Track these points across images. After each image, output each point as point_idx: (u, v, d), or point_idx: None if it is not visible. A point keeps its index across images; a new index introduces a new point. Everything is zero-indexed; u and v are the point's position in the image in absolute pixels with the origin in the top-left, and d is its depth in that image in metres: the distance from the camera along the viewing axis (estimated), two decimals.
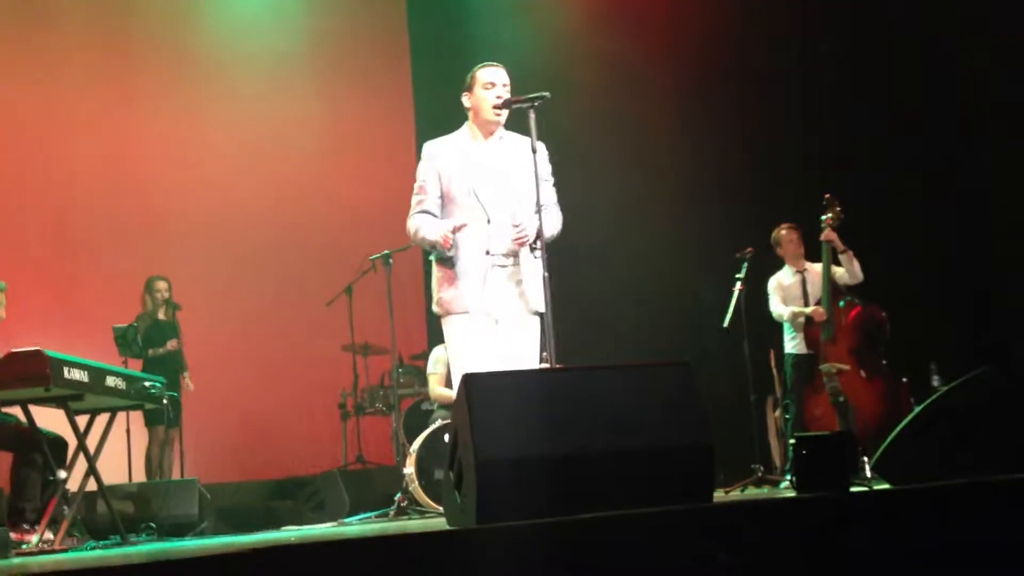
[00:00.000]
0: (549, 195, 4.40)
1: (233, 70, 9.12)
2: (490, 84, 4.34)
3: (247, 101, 9.13)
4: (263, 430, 8.54)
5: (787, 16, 7.60)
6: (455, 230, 4.22)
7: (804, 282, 6.64)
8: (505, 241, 4.28)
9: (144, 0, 8.93)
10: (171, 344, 7.57)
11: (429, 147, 4.44)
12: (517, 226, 4.22)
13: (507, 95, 4.33)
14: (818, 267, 6.57)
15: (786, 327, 6.70)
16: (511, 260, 4.31)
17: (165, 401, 5.77)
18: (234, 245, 8.75)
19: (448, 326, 4.34)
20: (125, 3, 8.85)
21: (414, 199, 4.41)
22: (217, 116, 9.05)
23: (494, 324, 4.27)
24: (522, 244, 4.25)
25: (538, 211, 4.19)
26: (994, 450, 3.70)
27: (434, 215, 4.35)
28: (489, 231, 4.28)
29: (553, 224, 4.38)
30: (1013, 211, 6.68)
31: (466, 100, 4.42)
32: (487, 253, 4.27)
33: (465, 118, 4.45)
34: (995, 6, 6.72)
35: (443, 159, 4.37)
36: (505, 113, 4.35)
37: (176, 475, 7.42)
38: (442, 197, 4.36)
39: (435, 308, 4.39)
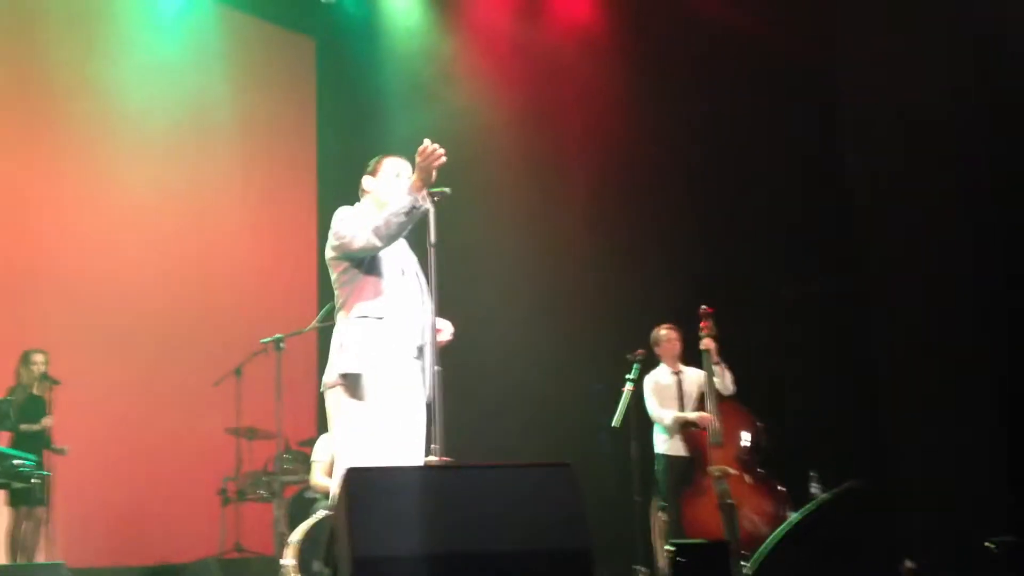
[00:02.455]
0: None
1: (123, 136, 8.88)
2: (399, 175, 4.37)
3: (138, 167, 8.89)
4: (138, 513, 8.21)
5: (678, 130, 7.88)
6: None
7: (680, 384, 6.78)
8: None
9: (49, 65, 8.65)
10: (46, 421, 7.28)
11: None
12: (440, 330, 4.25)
13: None
14: (692, 371, 6.77)
15: (657, 427, 6.79)
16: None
17: (35, 480, 5.53)
18: (118, 317, 8.47)
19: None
20: (31, 72, 8.56)
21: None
22: (106, 183, 8.78)
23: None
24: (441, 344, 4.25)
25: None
26: (863, 558, 3.81)
27: None
28: (415, 311, 4.28)
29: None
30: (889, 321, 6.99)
31: (369, 183, 4.40)
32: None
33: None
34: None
35: None
36: None
37: (42, 558, 7.07)
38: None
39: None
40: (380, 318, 4.14)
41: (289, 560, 6.05)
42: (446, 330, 4.33)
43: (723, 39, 7.65)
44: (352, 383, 4.09)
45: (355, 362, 4.09)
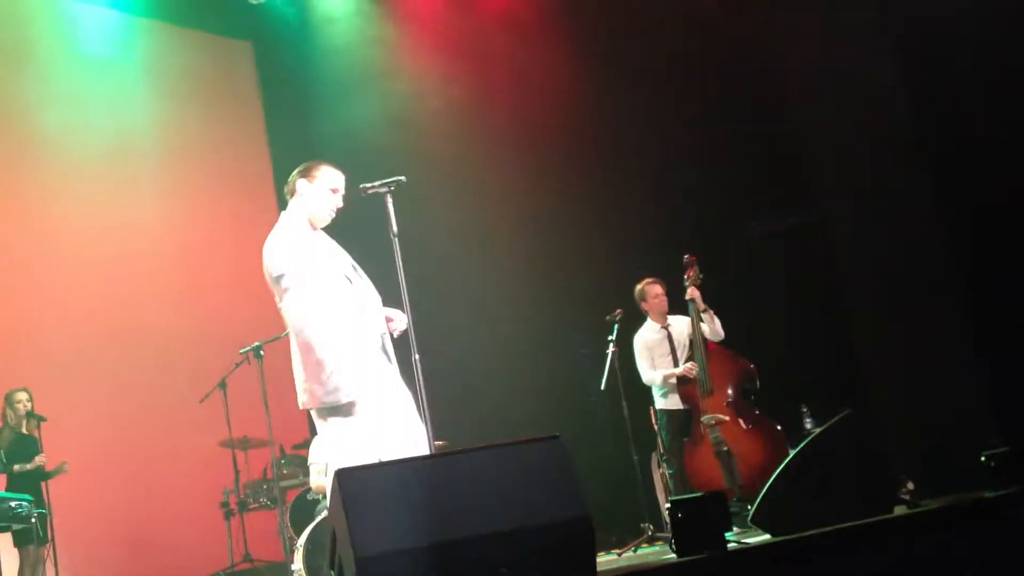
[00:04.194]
0: None
1: (89, 167, 8.81)
2: (335, 190, 4.30)
3: (106, 198, 8.86)
4: (142, 539, 8.18)
5: (647, 83, 7.87)
6: None
7: (670, 338, 6.79)
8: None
9: None
10: (38, 459, 7.24)
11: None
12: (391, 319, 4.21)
13: (341, 204, 4.31)
14: (679, 321, 6.77)
15: (655, 386, 6.82)
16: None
17: (34, 519, 5.50)
18: (97, 349, 8.40)
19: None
20: None
21: None
22: (74, 218, 8.72)
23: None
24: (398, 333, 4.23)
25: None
26: (856, 494, 3.84)
27: None
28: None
29: None
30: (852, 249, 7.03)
31: (303, 187, 4.31)
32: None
33: None
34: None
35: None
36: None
37: None
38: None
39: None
40: (341, 339, 4.04)
41: (298, 564, 6.07)
42: (399, 320, 4.25)
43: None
44: (337, 410, 4.05)
45: (333, 395, 4.01)
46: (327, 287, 4.12)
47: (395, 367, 4.23)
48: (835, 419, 4.20)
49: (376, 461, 4.01)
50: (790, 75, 7.18)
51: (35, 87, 8.68)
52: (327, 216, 4.31)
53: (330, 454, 4.13)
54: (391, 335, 4.23)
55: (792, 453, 4.25)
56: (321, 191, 4.29)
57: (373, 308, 4.22)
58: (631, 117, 7.89)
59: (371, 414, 4.07)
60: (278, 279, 4.14)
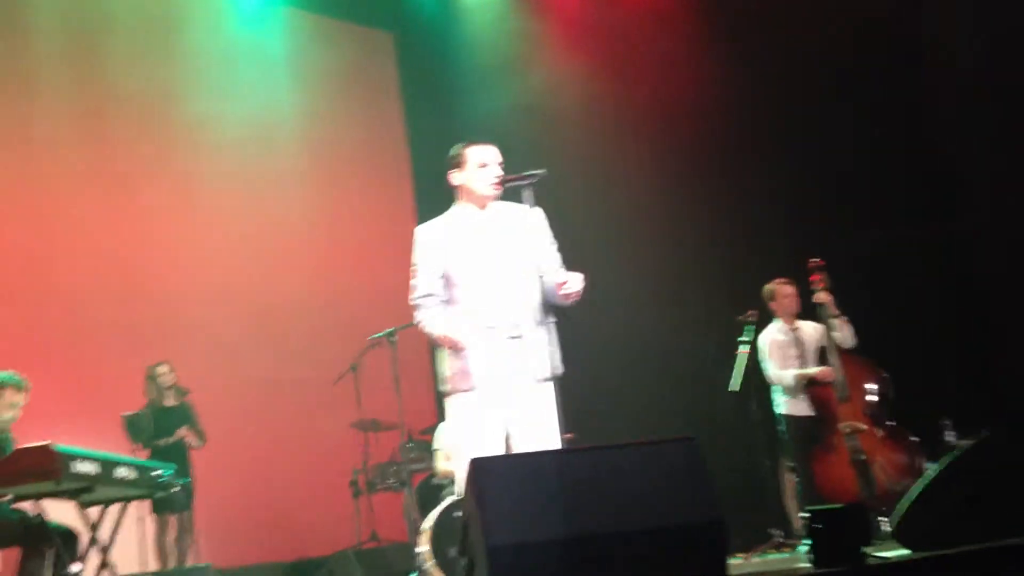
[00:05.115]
0: (555, 260, 4.40)
1: (232, 151, 9.16)
2: (483, 164, 4.33)
3: (246, 182, 9.20)
4: (274, 511, 8.48)
5: (788, 83, 7.69)
6: (458, 347, 4.21)
7: (799, 339, 6.62)
8: (513, 312, 4.27)
9: (130, 81, 8.87)
10: (180, 432, 7.56)
11: (422, 232, 4.39)
12: (563, 283, 4.19)
13: (500, 172, 4.34)
14: (808, 325, 6.60)
15: (777, 388, 6.65)
16: (517, 331, 4.30)
17: (176, 489, 5.72)
18: (237, 326, 8.74)
19: (453, 404, 4.30)
20: (110, 87, 8.81)
21: (412, 283, 4.36)
22: (217, 200, 9.09)
23: (503, 398, 4.25)
24: (569, 298, 4.22)
25: (544, 274, 4.26)
26: (1005, 512, 3.67)
27: (437, 296, 4.32)
28: (493, 305, 4.28)
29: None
30: (1005, 262, 6.71)
31: (456, 178, 4.37)
32: (490, 328, 4.26)
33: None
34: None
35: (438, 239, 4.35)
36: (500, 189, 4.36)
37: (190, 561, 7.36)
38: (444, 276, 4.32)
39: (441, 387, 4.36)
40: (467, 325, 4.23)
41: (423, 547, 6.16)
42: (574, 281, 4.23)
43: None
44: (460, 395, 4.23)
45: (456, 381, 4.23)
46: (455, 275, 4.25)
47: (538, 348, 4.24)
48: (985, 433, 4.02)
49: (497, 449, 4.13)
50: (949, 78, 6.90)
51: (183, 70, 9.05)
52: (490, 190, 4.32)
53: (453, 438, 4.28)
54: (563, 300, 4.23)
55: (936, 467, 4.09)
56: (472, 171, 4.33)
57: (497, 295, 4.26)
58: (775, 114, 7.71)
59: (495, 402, 4.17)
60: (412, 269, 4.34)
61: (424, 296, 4.32)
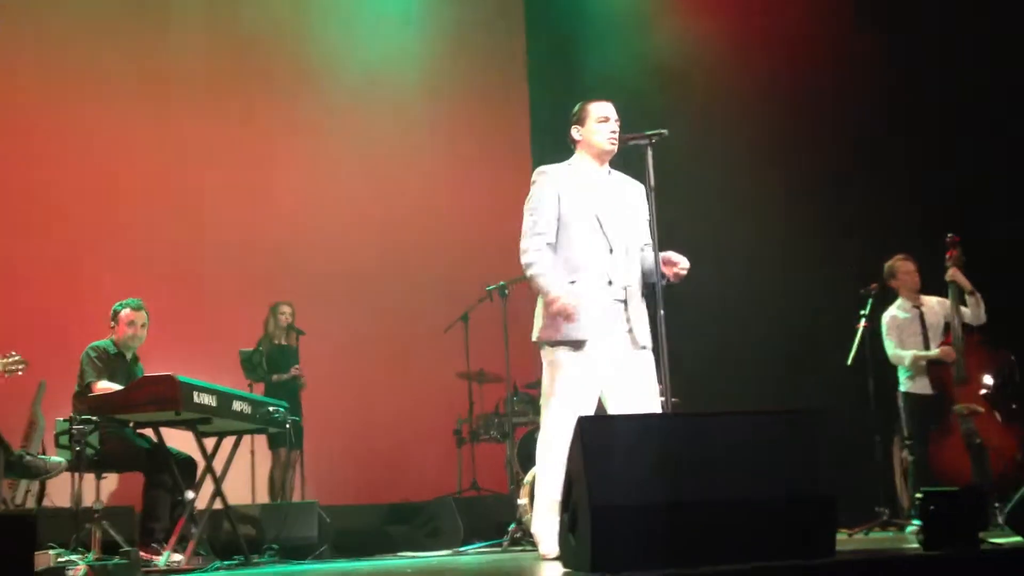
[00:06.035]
0: (653, 236, 4.37)
1: (354, 101, 9.30)
2: (604, 119, 4.39)
3: (368, 131, 9.33)
4: (379, 454, 8.68)
5: (923, 49, 7.37)
6: (571, 319, 4.18)
7: (921, 318, 6.39)
8: (624, 274, 4.27)
9: (259, 31, 9.13)
10: (294, 370, 7.78)
11: (544, 169, 4.44)
12: (676, 263, 4.24)
13: (618, 128, 4.39)
14: (934, 301, 6.39)
15: (902, 367, 6.47)
16: (626, 294, 4.30)
17: (288, 425, 5.90)
18: (354, 271, 8.92)
19: (555, 354, 4.28)
20: (240, 41, 9.09)
21: (528, 219, 4.36)
22: (340, 148, 9.25)
23: (605, 358, 4.24)
24: (674, 277, 4.24)
25: (649, 249, 4.26)
26: None
27: (547, 236, 4.32)
28: (613, 261, 4.27)
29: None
30: None
31: (576, 133, 4.45)
32: (609, 284, 4.26)
33: (571, 151, 4.49)
34: None
35: (561, 182, 4.37)
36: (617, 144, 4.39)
37: (296, 497, 7.59)
38: (559, 220, 4.33)
39: (537, 335, 4.34)
40: (573, 282, 4.25)
41: (523, 500, 6.22)
42: (681, 262, 4.27)
43: None
44: (554, 345, 4.26)
45: (548, 331, 4.27)
46: (571, 221, 4.28)
47: (641, 315, 4.27)
48: None
49: (589, 409, 4.16)
50: None
51: (312, 16, 9.29)
52: (608, 145, 4.39)
53: (545, 387, 4.33)
54: (667, 280, 4.23)
55: None
56: (592, 125, 4.41)
57: (616, 252, 4.27)
58: (909, 84, 7.40)
59: (596, 361, 4.19)
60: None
61: (537, 235, 4.31)
